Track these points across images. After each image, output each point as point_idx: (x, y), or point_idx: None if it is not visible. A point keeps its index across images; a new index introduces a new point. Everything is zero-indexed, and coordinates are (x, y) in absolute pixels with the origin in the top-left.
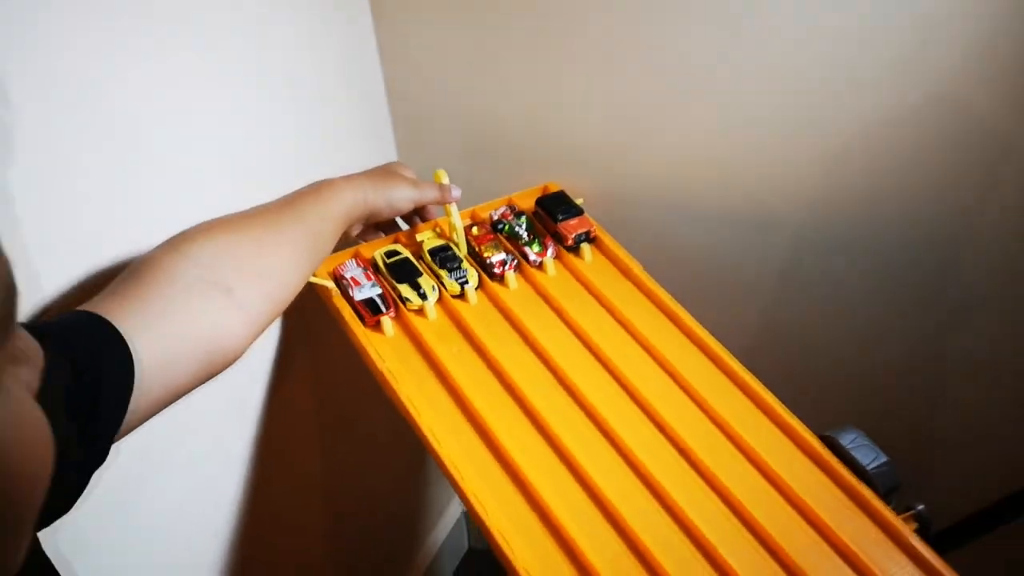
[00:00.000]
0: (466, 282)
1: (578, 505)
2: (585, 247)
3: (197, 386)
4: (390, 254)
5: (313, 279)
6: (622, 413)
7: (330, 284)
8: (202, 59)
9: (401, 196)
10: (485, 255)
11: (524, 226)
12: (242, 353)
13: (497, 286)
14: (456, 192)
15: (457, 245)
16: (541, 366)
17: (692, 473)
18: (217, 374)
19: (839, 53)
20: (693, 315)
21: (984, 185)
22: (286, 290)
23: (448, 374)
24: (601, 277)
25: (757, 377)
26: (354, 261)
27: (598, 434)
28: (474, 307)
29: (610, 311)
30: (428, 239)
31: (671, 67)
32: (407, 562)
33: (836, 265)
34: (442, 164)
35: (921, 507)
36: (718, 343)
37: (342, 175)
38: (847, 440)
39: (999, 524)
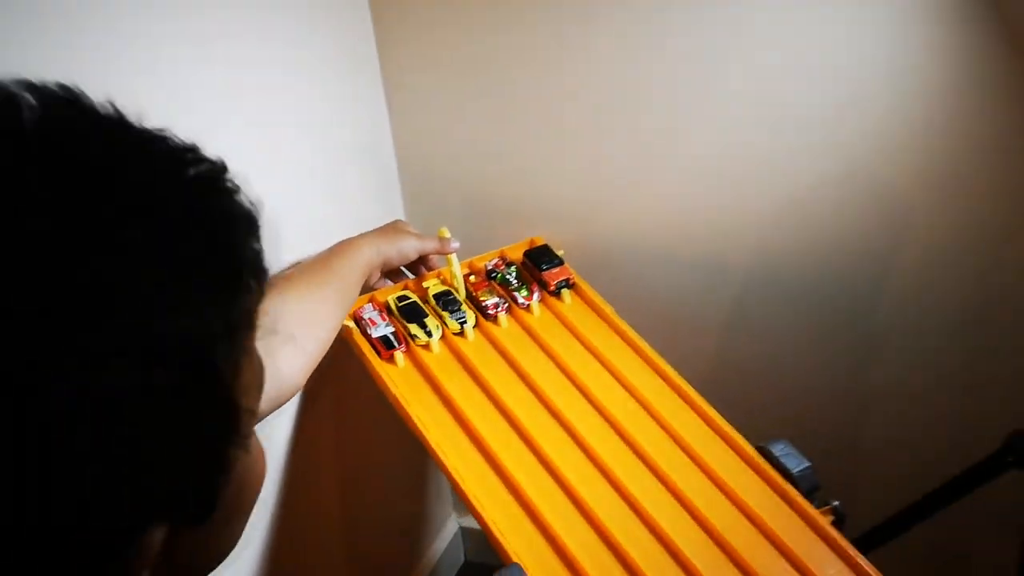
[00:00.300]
0: (465, 322)
1: (557, 501)
2: (565, 292)
3: (266, 417)
4: (401, 299)
5: None
6: (595, 430)
7: (351, 324)
8: (253, 140)
9: (408, 247)
10: (481, 299)
11: (514, 275)
12: (300, 389)
13: (491, 325)
14: (455, 244)
15: (457, 290)
16: (528, 391)
17: (652, 476)
18: (282, 406)
19: (776, 132)
20: (656, 347)
21: (892, 241)
22: (331, 334)
23: (450, 397)
24: (579, 317)
25: (707, 398)
26: (371, 304)
27: (574, 445)
28: (472, 343)
29: (586, 346)
30: (433, 286)
31: (638, 142)
32: (408, 574)
33: (775, 305)
34: (443, 220)
35: (836, 503)
36: (675, 371)
37: (359, 233)
38: (777, 449)
39: (911, 525)
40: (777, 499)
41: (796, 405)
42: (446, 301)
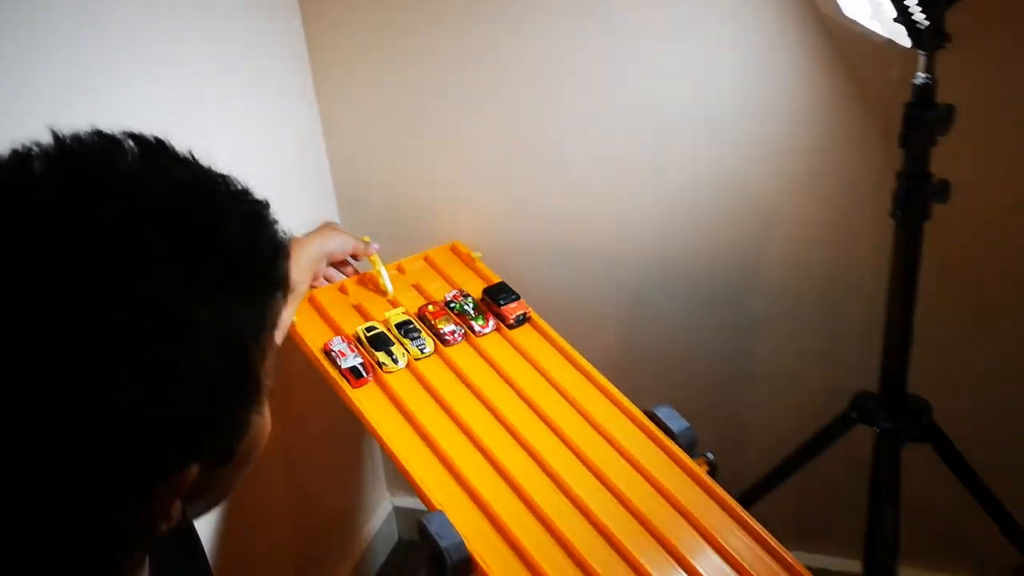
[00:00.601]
0: (424, 348)
1: (492, 483)
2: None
3: None
4: (369, 329)
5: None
6: (515, 409)
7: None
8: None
9: (346, 241)
10: (439, 327)
11: (471, 305)
12: None
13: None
14: (375, 246)
15: (384, 288)
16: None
17: (559, 442)
18: None
19: (661, 146)
20: (564, 333)
21: (760, 240)
22: (287, 325)
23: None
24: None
25: (609, 375)
26: (339, 338)
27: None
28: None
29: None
30: (394, 316)
31: (544, 155)
32: (345, 551)
33: (665, 296)
34: (374, 226)
35: (710, 455)
36: (579, 354)
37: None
38: (662, 413)
39: (781, 481)
40: (662, 454)
41: (690, 379)
42: (407, 330)
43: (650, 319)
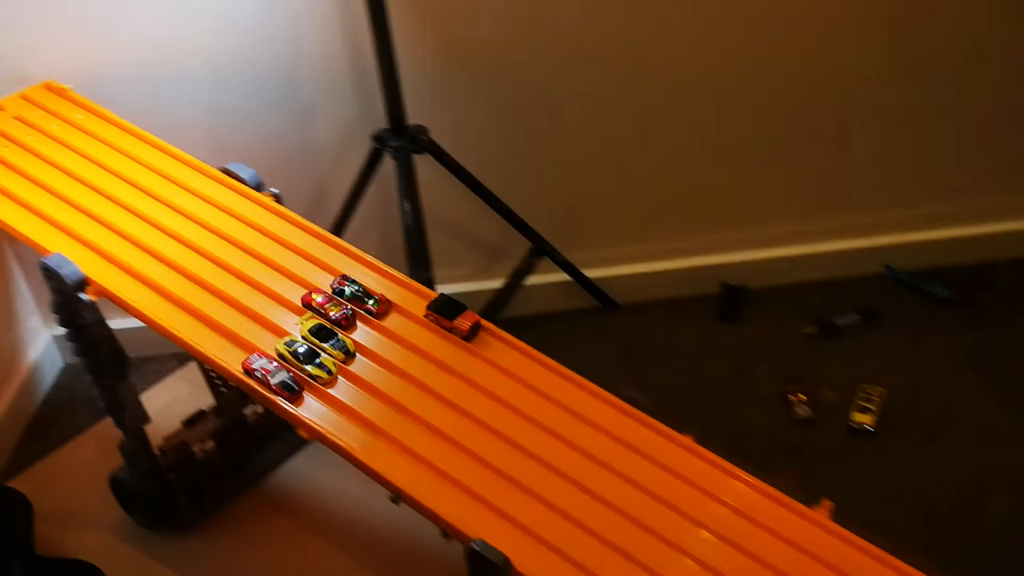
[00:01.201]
0: (344, 348)
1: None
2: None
3: None
4: (289, 343)
5: None
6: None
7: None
8: None
9: None
10: (330, 312)
11: (360, 289)
12: None
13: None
14: None
15: None
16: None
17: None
18: None
19: None
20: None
21: (295, 34)
22: None
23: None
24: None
25: (210, 161)
26: (256, 355)
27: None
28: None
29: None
30: (304, 321)
31: None
32: (9, 373)
33: (240, 93)
34: None
35: (275, 190)
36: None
37: None
38: (234, 168)
39: (351, 213)
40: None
41: (267, 149)
42: (322, 335)
43: (234, 110)
